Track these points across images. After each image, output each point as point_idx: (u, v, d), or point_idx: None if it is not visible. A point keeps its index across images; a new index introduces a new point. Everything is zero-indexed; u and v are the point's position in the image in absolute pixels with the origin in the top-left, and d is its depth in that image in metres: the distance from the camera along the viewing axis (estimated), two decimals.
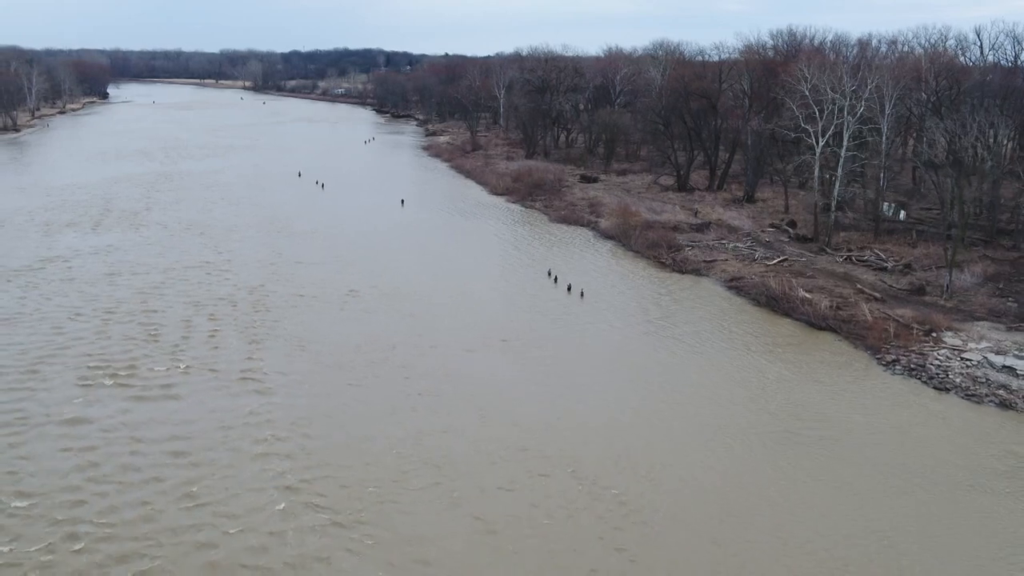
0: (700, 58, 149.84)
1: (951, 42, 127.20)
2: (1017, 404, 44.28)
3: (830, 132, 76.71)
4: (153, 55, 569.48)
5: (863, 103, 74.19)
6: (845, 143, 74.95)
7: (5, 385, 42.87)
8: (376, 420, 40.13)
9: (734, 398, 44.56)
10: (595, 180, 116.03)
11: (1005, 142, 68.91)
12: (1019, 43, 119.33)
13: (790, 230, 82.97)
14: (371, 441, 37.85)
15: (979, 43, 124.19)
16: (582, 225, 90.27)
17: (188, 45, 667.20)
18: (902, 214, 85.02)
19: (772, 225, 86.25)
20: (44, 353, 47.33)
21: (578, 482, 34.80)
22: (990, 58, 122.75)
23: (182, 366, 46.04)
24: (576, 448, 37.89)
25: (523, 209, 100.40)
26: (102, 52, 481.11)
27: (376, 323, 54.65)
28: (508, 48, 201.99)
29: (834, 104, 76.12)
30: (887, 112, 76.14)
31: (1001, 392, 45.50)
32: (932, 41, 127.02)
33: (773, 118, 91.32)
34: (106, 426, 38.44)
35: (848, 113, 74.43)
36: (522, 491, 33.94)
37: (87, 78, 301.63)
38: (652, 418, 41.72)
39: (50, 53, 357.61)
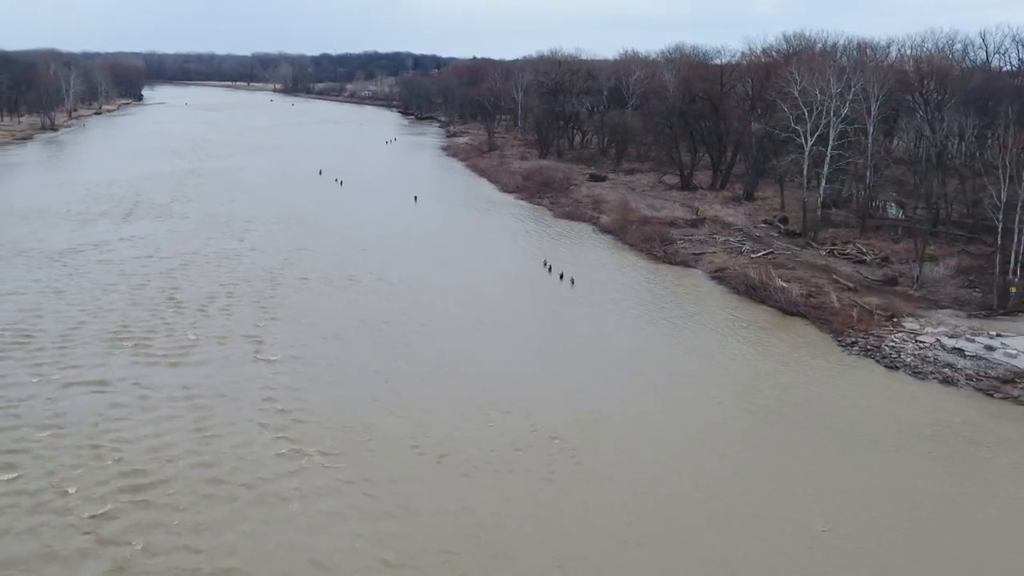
0: (714, 61, 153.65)
1: (957, 46, 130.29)
2: (959, 381, 47.99)
3: (818, 132, 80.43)
4: (187, 58, 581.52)
5: (847, 104, 77.81)
6: (831, 143, 78.63)
7: (46, 345, 48.81)
8: (363, 379, 45.36)
9: (699, 371, 48.75)
10: (603, 179, 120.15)
11: (985, 141, 71.90)
12: (1022, 45, 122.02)
13: (781, 226, 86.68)
14: (357, 396, 43.05)
15: (984, 47, 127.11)
16: (584, 221, 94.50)
17: (221, 48, 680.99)
18: (901, 212, 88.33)
19: (765, 221, 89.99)
20: (80, 320, 53.41)
21: (533, 429, 39.65)
22: (995, 61, 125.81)
23: (200, 333, 51.55)
24: (537, 403, 42.63)
25: (530, 206, 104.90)
26: (137, 55, 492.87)
27: (374, 304, 59.60)
28: (536, 51, 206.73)
29: (822, 105, 79.86)
30: (873, 113, 79.62)
31: (946, 370, 49.20)
32: (939, 45, 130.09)
33: (770, 118, 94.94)
34: (130, 380, 43.91)
35: (833, 114, 78.11)
36: (480, 433, 39.13)
37: (122, 80, 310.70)
38: (613, 383, 45.99)
39: (88, 56, 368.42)
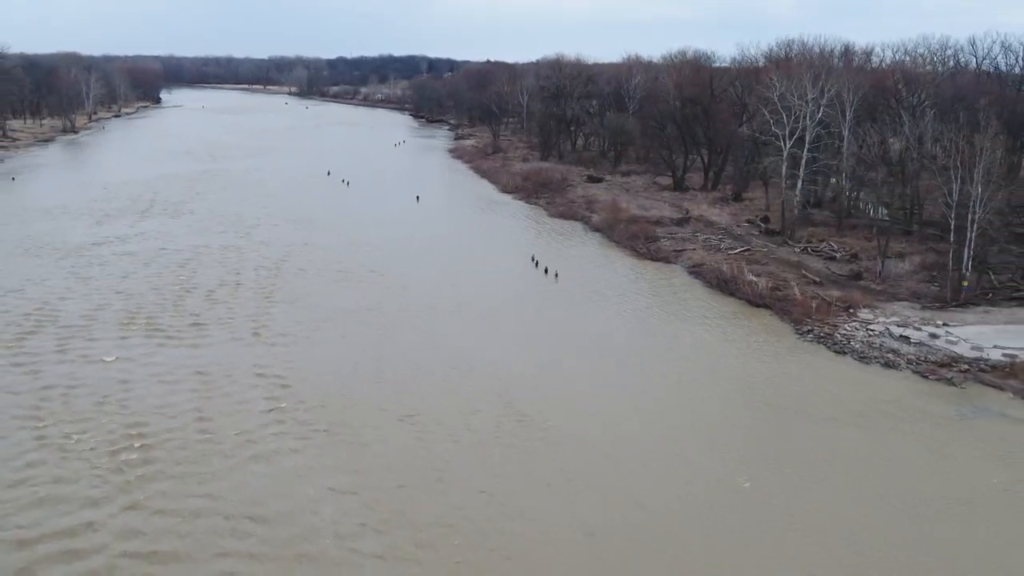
0: (715, 65, 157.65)
1: (949, 51, 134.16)
2: (900, 365, 52.11)
3: (796, 135, 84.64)
4: (205, 61, 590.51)
5: (821, 109, 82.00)
6: (806, 145, 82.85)
7: (69, 323, 54.58)
8: (349, 353, 50.74)
9: (659, 353, 53.23)
10: (600, 180, 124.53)
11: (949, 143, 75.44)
12: (1009, 51, 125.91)
13: (762, 225, 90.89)
14: (342, 367, 48.26)
15: (974, 53, 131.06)
16: (577, 220, 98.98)
17: (238, 52, 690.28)
18: (884, 213, 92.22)
19: (748, 221, 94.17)
20: (100, 303, 59.29)
21: (493, 396, 44.74)
22: (984, 66, 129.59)
23: (206, 315, 56.95)
24: (499, 375, 47.74)
25: (527, 205, 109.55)
26: (156, 58, 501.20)
27: (366, 292, 64.54)
28: (544, 55, 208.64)
29: (800, 110, 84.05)
30: (848, 117, 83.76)
31: (889, 355, 53.35)
32: (931, 49, 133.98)
33: (755, 122, 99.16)
34: (142, 353, 49.35)
35: (808, 118, 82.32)
36: (444, 399, 44.32)
37: (141, 83, 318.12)
38: (573, 361, 50.74)
39: (108, 59, 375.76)
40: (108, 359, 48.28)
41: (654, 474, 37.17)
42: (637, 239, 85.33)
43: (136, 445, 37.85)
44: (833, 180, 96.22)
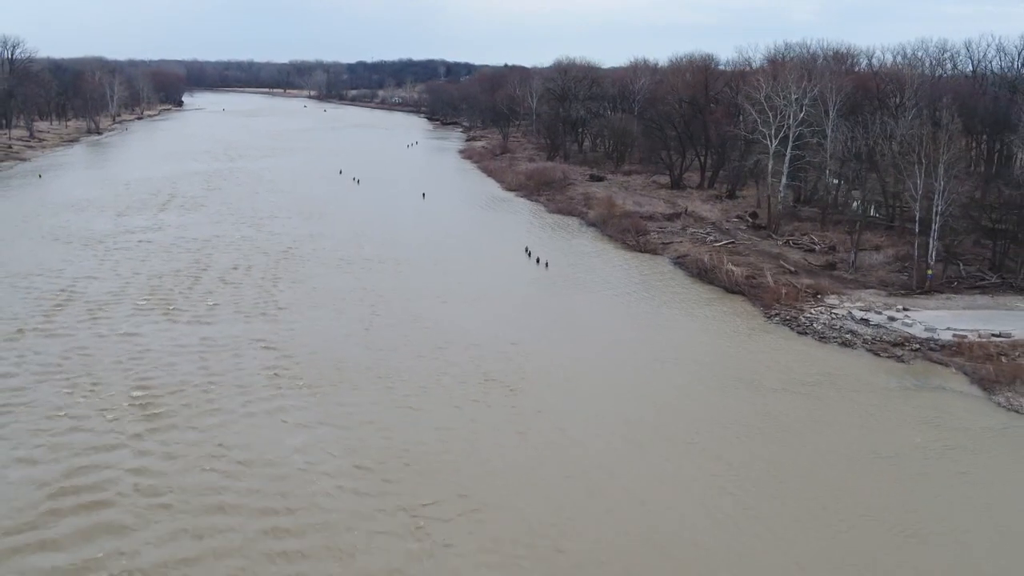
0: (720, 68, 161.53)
1: (946, 55, 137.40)
2: (856, 344, 55.94)
3: (781, 134, 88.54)
4: (227, 65, 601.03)
5: (804, 109, 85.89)
6: (790, 143, 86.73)
7: (92, 299, 60.08)
8: (343, 330, 55.45)
9: (633, 331, 57.41)
10: (601, 179, 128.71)
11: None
12: (1004, 54, 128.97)
13: (750, 220, 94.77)
14: (335, 341, 53.06)
15: (969, 57, 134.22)
16: (574, 215, 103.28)
17: (260, 56, 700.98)
18: (873, 209, 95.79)
19: (737, 216, 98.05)
20: (122, 284, 64.85)
21: (468, 361, 49.67)
22: (980, 69, 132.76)
23: (217, 295, 62.16)
24: (472, 347, 52.32)
25: (528, 202, 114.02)
26: (179, 63, 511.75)
27: (365, 277, 69.33)
28: (565, 59, 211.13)
29: (785, 109, 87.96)
30: (832, 116, 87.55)
31: (847, 336, 57.16)
32: (929, 53, 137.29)
33: (746, 122, 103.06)
34: (158, 326, 54.39)
35: (791, 118, 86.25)
36: (418, 364, 49.00)
37: (164, 87, 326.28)
38: (549, 338, 54.87)
39: (132, 63, 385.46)
40: (127, 329, 53.52)
41: (605, 427, 41.33)
42: (628, 233, 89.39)
43: (147, 400, 42.61)
44: (817, 178, 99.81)
